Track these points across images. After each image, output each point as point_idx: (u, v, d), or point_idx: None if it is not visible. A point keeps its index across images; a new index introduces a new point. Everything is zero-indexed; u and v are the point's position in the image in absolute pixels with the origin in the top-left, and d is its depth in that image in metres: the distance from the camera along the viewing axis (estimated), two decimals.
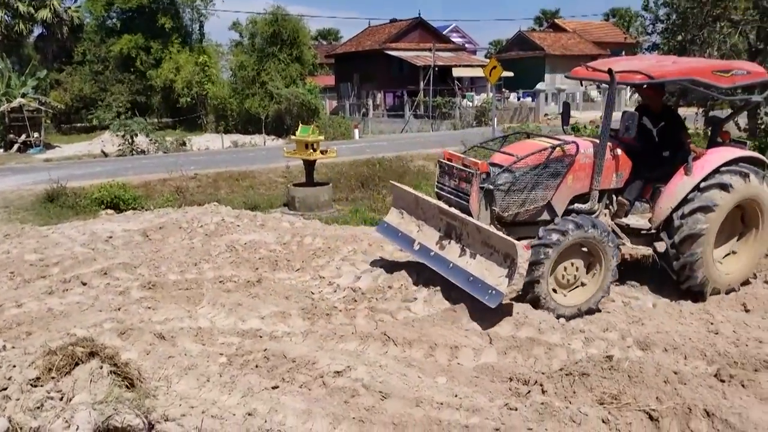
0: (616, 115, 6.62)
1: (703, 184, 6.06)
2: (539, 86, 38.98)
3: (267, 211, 11.42)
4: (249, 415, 3.74)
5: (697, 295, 6.30)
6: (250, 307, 5.88)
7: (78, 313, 5.84)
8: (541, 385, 4.30)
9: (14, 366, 3.46)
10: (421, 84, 34.78)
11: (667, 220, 6.17)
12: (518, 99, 38.66)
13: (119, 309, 5.88)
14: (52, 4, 36.69)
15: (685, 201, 6.08)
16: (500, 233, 5.43)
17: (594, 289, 5.89)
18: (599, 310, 5.91)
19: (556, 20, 54.05)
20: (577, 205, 6.14)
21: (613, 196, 6.47)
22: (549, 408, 3.95)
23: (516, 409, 3.97)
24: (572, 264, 5.77)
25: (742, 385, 4.38)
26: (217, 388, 4.14)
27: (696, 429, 3.89)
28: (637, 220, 6.43)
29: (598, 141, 6.13)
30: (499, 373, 4.56)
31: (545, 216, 6.14)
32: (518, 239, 5.53)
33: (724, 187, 6.04)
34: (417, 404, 4.02)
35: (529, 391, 4.22)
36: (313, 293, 6.22)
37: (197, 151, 24.83)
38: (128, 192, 11.95)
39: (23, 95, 29.06)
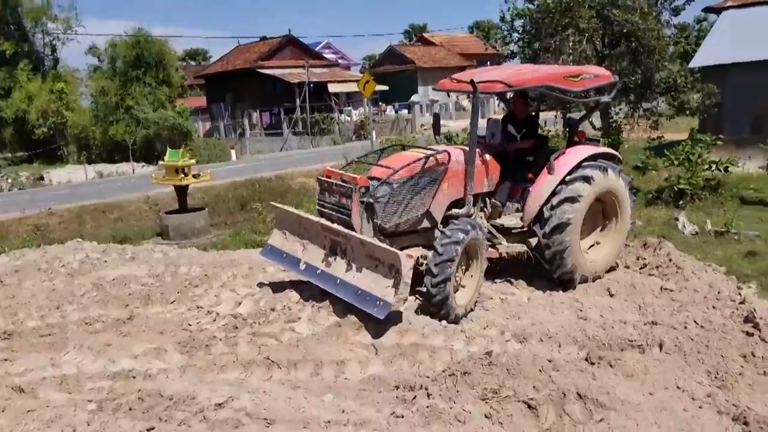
0: (483, 123, 7.10)
1: (567, 178, 6.47)
2: (414, 98, 40.28)
3: (138, 243, 10.75)
4: None
5: (567, 283, 6.72)
6: (120, 347, 5.47)
7: None
8: (426, 389, 4.37)
9: None
10: (297, 101, 34.66)
11: (538, 215, 6.54)
12: (395, 111, 39.68)
13: None
14: None
15: (552, 195, 6.48)
16: (383, 245, 5.53)
17: (473, 289, 6.15)
18: (473, 309, 6.13)
19: (424, 34, 56.21)
20: (454, 211, 6.41)
21: (486, 199, 6.81)
22: (434, 410, 4.02)
23: (402, 416, 4.01)
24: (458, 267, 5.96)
25: (610, 365, 4.73)
26: None
27: (571, 411, 4.14)
28: (510, 219, 6.80)
29: (468, 149, 6.43)
30: (386, 383, 4.58)
31: (425, 224, 6.33)
32: (401, 249, 5.67)
33: (587, 179, 6.50)
34: (304, 426, 3.95)
35: (415, 397, 4.26)
36: (190, 325, 5.90)
37: (57, 185, 22.98)
38: None
39: None
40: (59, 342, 5.69)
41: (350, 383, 4.63)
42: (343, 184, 6.07)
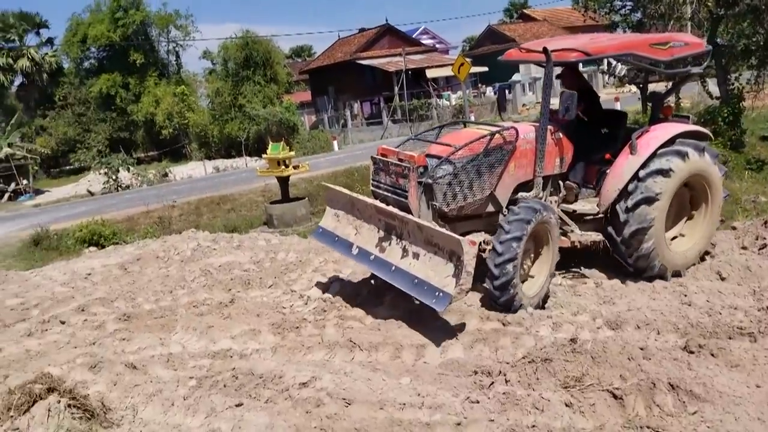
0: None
1: (642, 173, 5.89)
2: (515, 77, 39.07)
3: (246, 231, 11.42)
4: None
5: (645, 272, 6.18)
6: (221, 328, 5.87)
7: (55, 351, 5.82)
8: (505, 374, 4.30)
9: None
10: (396, 89, 34.90)
11: (618, 196, 5.99)
12: (495, 93, 38.74)
13: (94, 343, 5.88)
14: (29, 53, 37.00)
15: (629, 187, 5.90)
16: (443, 230, 5.07)
17: (543, 280, 5.66)
18: (546, 301, 5.68)
19: (525, 10, 54.33)
20: (521, 194, 5.92)
21: (559, 182, 6.29)
22: (511, 397, 3.95)
23: (478, 402, 3.97)
24: (526, 254, 5.53)
25: (712, 355, 4.40)
26: (181, 411, 4.15)
27: (661, 402, 3.89)
28: (584, 205, 6.24)
29: (538, 125, 5.97)
30: (464, 368, 4.56)
31: (490, 208, 5.87)
32: (462, 235, 5.25)
33: (681, 155, 5.94)
34: (380, 407, 4.02)
35: (493, 383, 4.22)
36: (284, 308, 6.22)
37: (179, 181, 24.85)
38: (108, 228, 11.93)
39: (9, 145, 29.20)
40: (169, 323, 6.22)
41: (428, 367, 4.66)
42: (400, 163, 5.61)
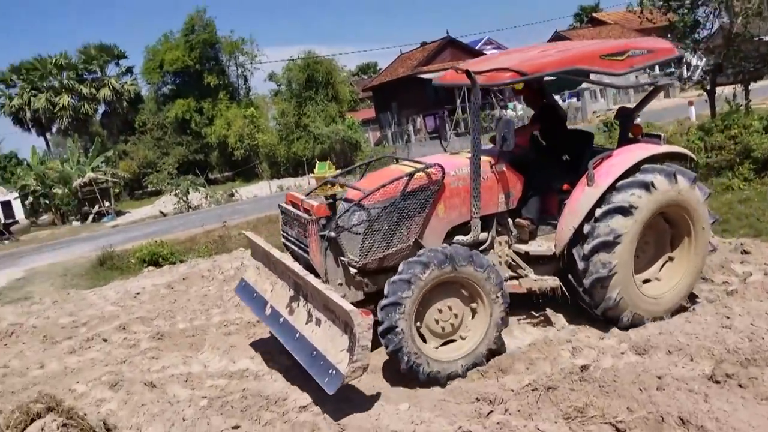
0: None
1: (619, 184, 5.07)
2: (585, 84, 37.80)
3: None
4: None
5: (613, 322, 5.32)
6: (243, 348, 6.00)
7: (88, 369, 6.14)
8: (506, 403, 4.14)
9: None
10: (458, 102, 34.65)
11: (574, 235, 5.16)
12: (564, 101, 37.67)
13: (124, 361, 6.16)
14: (110, 83, 39.60)
15: (595, 207, 5.08)
16: (335, 297, 4.33)
17: (478, 339, 4.79)
18: (483, 363, 4.83)
19: (594, 14, 52.69)
20: (458, 238, 5.18)
21: (508, 219, 5.49)
22: (505, 427, 3.80)
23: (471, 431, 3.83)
24: (448, 307, 4.79)
25: (740, 386, 4.05)
26: (179, 431, 4.25)
27: None
28: (537, 245, 5.44)
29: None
30: (467, 394, 4.42)
31: None
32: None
33: (645, 186, 5.04)
34: None
35: (491, 411, 4.06)
36: None
37: (245, 200, 25.76)
38: (166, 248, 12.48)
39: (93, 169, 31.27)
40: (198, 342, 6.41)
41: (432, 393, 4.54)
42: (300, 214, 5.05)
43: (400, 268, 4.60)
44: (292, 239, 5.36)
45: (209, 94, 38.45)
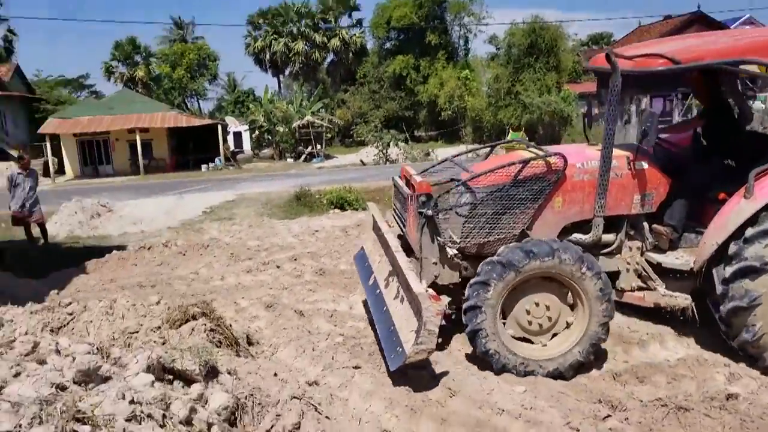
0: None
1: (750, 231, 4.29)
2: None
3: None
4: (314, 383, 4.12)
5: (752, 359, 4.52)
6: None
7: (256, 288, 6.93)
8: (627, 412, 3.81)
9: (145, 316, 4.44)
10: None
11: (709, 270, 4.51)
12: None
13: (286, 288, 6.82)
14: (341, 33, 42.51)
15: (731, 249, 4.36)
16: (412, 276, 4.26)
17: (573, 338, 4.41)
18: (566, 374, 4.40)
19: None
20: (576, 236, 4.76)
21: (644, 224, 4.90)
22: None
23: (578, 431, 3.61)
24: (539, 304, 4.44)
25: None
26: (307, 359, 4.64)
27: None
28: (677, 257, 4.79)
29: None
30: (590, 393, 4.13)
31: None
32: None
33: None
34: (480, 406, 3.93)
35: (609, 416, 3.77)
36: None
37: (438, 160, 26.19)
38: (353, 194, 13.35)
39: (312, 113, 34.31)
40: (352, 285, 6.84)
41: (554, 384, 4.27)
42: (405, 188, 4.92)
43: (479, 268, 4.37)
44: (397, 213, 5.35)
45: (428, 52, 39.32)
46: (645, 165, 4.78)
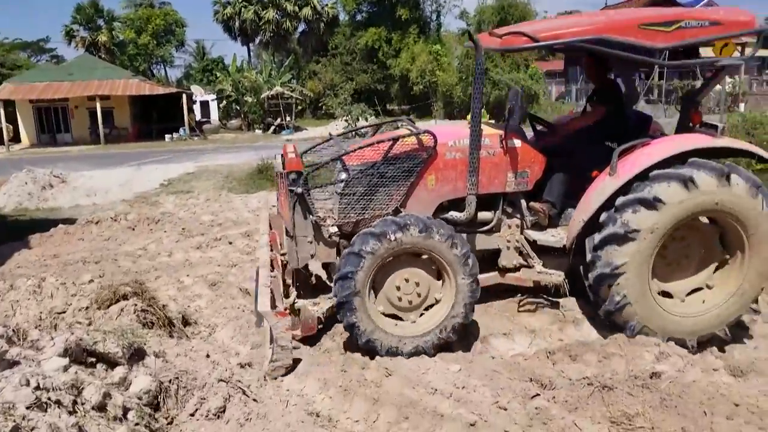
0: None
1: (620, 201, 4.38)
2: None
3: None
4: (247, 365, 4.09)
5: (618, 328, 4.65)
6: None
7: (204, 265, 6.84)
8: (555, 390, 3.88)
9: (75, 295, 4.33)
10: (656, 66, 31.15)
11: (582, 243, 4.60)
12: None
13: (235, 265, 6.73)
14: (312, 2, 41.63)
15: (602, 217, 4.46)
16: (263, 294, 4.22)
17: (444, 311, 4.42)
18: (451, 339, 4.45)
19: None
20: (452, 213, 4.76)
21: (522, 201, 4.94)
22: (543, 415, 3.60)
23: (506, 410, 3.67)
24: (409, 279, 4.43)
25: None
26: (244, 340, 4.60)
27: None
28: (553, 234, 4.85)
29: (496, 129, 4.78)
30: (523, 372, 4.19)
31: None
32: None
33: (683, 181, 4.27)
34: (414, 386, 3.97)
35: (537, 395, 3.83)
36: None
37: None
38: None
39: (282, 84, 33.70)
40: None
41: (489, 363, 4.32)
42: (279, 167, 4.81)
43: (353, 240, 4.35)
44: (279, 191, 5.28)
45: (400, 26, 38.80)
46: (518, 143, 4.80)
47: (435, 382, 4.01)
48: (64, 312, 4.15)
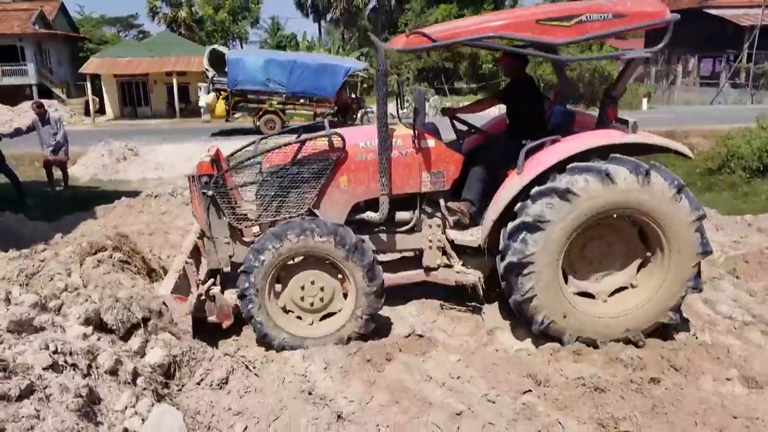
0: None
1: (534, 190, 4.33)
2: None
3: None
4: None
5: (524, 319, 4.62)
6: None
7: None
8: (548, 387, 3.96)
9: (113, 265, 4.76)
10: (745, 47, 29.24)
11: (497, 237, 4.56)
12: None
13: None
14: None
15: (516, 208, 4.42)
16: (168, 278, 4.61)
17: (342, 320, 4.60)
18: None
19: None
20: (368, 214, 4.83)
21: (441, 201, 4.93)
22: (529, 410, 3.69)
23: (494, 403, 3.80)
24: (314, 282, 4.59)
25: None
26: None
27: None
28: (471, 233, 4.84)
29: (409, 130, 4.75)
30: (523, 367, 4.26)
31: None
32: None
33: (599, 173, 4.22)
34: (411, 373, 4.14)
35: (529, 390, 3.93)
36: None
37: None
38: None
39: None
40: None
41: (490, 356, 4.45)
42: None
43: (257, 239, 4.53)
44: None
45: (473, 2, 38.17)
46: (432, 143, 4.77)
47: (432, 371, 4.17)
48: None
